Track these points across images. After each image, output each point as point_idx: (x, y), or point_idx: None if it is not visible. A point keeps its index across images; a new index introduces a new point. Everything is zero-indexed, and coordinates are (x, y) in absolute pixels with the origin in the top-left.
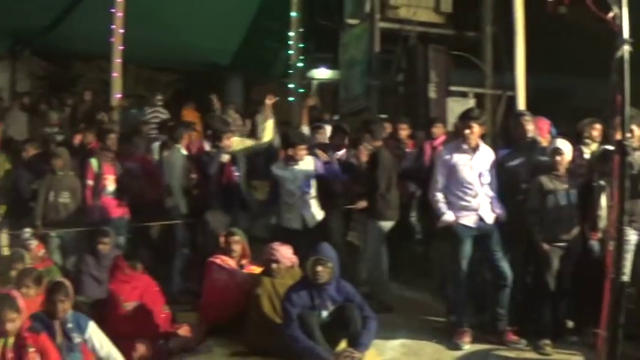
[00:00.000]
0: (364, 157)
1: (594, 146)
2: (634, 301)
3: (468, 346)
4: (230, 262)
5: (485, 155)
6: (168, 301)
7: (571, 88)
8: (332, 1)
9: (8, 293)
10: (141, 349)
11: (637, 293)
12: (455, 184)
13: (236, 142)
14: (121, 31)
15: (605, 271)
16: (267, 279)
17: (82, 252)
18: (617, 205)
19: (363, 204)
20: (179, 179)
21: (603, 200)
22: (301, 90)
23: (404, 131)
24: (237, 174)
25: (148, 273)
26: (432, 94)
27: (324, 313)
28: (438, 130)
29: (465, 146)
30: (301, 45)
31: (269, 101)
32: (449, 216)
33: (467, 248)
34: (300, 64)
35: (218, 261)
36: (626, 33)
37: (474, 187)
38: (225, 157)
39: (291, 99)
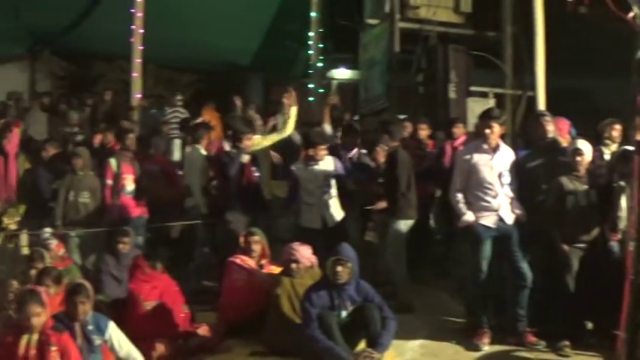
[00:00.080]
0: (381, 159)
1: (614, 147)
2: None
3: (487, 347)
4: (250, 262)
5: (506, 155)
6: (188, 301)
7: (591, 88)
8: (352, 1)
9: (33, 288)
10: (160, 348)
11: None
12: (475, 184)
13: (257, 141)
14: (141, 31)
15: (625, 272)
16: (287, 279)
17: (102, 251)
18: (637, 205)
19: (383, 204)
20: (199, 179)
21: (623, 201)
22: (321, 90)
23: (424, 131)
24: (257, 174)
25: (167, 272)
26: (452, 94)
27: (344, 314)
28: (458, 130)
29: (485, 146)
30: (321, 45)
31: (287, 100)
32: (469, 216)
33: (487, 249)
34: (319, 65)
35: (238, 261)
36: None
37: (494, 187)
38: (246, 158)
39: (310, 99)
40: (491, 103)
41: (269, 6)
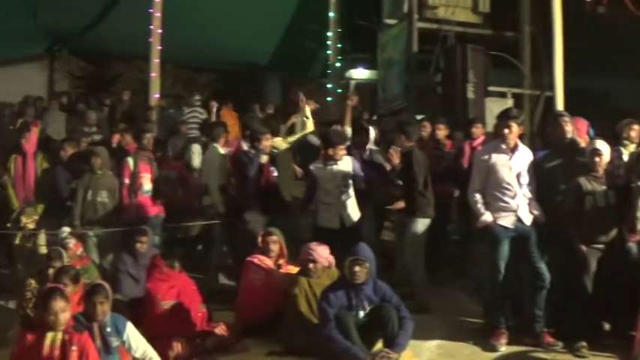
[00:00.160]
0: (396, 160)
1: (633, 147)
2: None
3: (504, 348)
4: (267, 262)
5: (524, 155)
6: (205, 300)
7: (609, 88)
8: (370, 1)
9: (56, 286)
10: (177, 347)
11: None
12: (493, 184)
13: (278, 142)
14: (159, 31)
15: None
16: (304, 279)
17: (120, 250)
18: None
19: (401, 204)
20: (216, 178)
21: None
22: (339, 90)
23: (441, 131)
24: (275, 174)
25: (184, 272)
26: (471, 94)
27: (361, 314)
28: (477, 130)
29: (503, 146)
30: (339, 45)
31: (301, 103)
32: (487, 217)
33: (504, 249)
34: (338, 64)
35: (255, 260)
36: None
37: (512, 187)
38: (264, 158)
39: (329, 99)
40: (509, 103)
41: (287, 6)
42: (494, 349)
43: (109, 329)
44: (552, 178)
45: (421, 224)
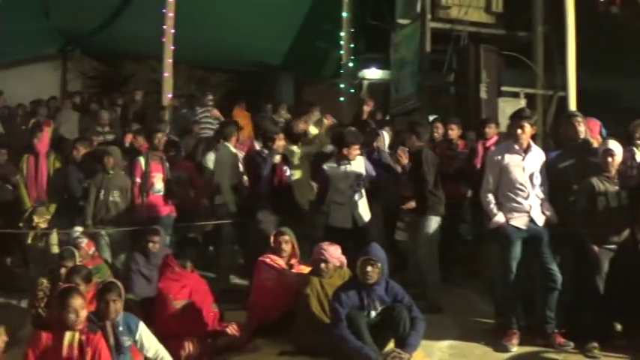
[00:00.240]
0: (404, 160)
1: None
2: None
3: (515, 349)
4: (279, 262)
5: (537, 156)
6: (217, 300)
7: (622, 88)
8: (383, 1)
9: (72, 285)
10: (189, 347)
11: None
12: (506, 185)
13: (294, 149)
14: (172, 31)
15: None
16: (316, 279)
17: (132, 250)
18: None
19: (412, 204)
20: (228, 177)
21: None
22: (352, 90)
23: (454, 131)
24: (288, 174)
25: (197, 271)
26: (484, 94)
27: (373, 314)
28: (491, 130)
29: (516, 147)
30: (352, 45)
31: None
32: (500, 217)
33: (517, 250)
34: (351, 65)
35: (267, 260)
36: None
37: (525, 188)
38: (277, 158)
39: (341, 99)
40: (522, 103)
41: (300, 6)
42: (505, 350)
43: (121, 328)
44: (565, 179)
45: (434, 222)
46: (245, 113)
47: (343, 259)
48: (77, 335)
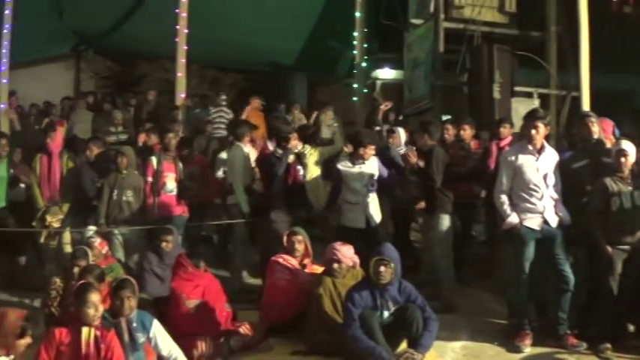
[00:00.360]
0: (413, 159)
1: None
2: None
3: (528, 349)
4: (292, 262)
5: (550, 157)
6: (230, 300)
7: (636, 88)
8: (396, 1)
9: (88, 281)
10: (202, 346)
11: None
12: (520, 185)
13: (310, 152)
14: (185, 31)
15: None
16: (329, 279)
17: (145, 250)
18: None
19: (422, 204)
20: (241, 177)
21: None
22: (365, 90)
23: (466, 132)
24: (301, 173)
25: (210, 271)
26: (497, 94)
27: (386, 314)
28: (506, 130)
29: (530, 147)
30: (365, 45)
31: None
32: (513, 218)
33: (530, 251)
34: (364, 64)
35: (280, 260)
36: None
37: (539, 189)
38: (291, 158)
39: (355, 99)
40: (535, 103)
41: (313, 6)
42: (518, 350)
43: (135, 324)
44: (578, 179)
45: (445, 220)
46: (258, 113)
47: (356, 258)
48: (93, 331)
